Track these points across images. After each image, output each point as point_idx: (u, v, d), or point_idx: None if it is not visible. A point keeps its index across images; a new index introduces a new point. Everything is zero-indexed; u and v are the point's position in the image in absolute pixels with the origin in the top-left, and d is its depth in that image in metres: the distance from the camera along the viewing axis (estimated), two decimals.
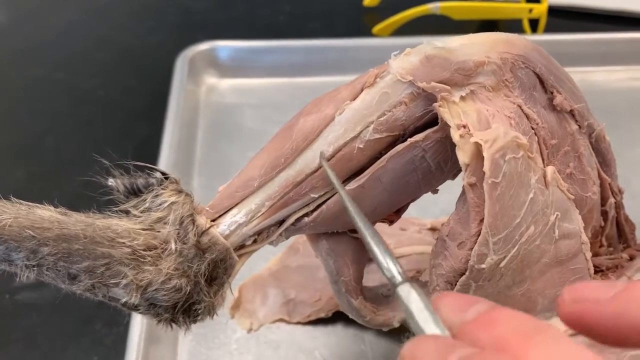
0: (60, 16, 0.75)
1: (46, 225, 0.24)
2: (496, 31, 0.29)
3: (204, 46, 0.62)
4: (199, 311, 0.26)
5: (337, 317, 0.41)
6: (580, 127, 0.32)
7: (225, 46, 0.63)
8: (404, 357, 0.17)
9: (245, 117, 0.59)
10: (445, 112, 0.26)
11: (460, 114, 0.26)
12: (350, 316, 0.32)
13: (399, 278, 0.20)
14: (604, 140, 0.33)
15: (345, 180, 0.28)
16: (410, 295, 0.18)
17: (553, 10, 0.70)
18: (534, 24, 0.69)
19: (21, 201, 0.24)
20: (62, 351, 0.41)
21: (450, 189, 0.30)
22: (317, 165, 0.28)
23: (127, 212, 0.26)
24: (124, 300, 0.25)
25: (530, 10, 0.67)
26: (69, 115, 0.61)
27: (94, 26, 0.74)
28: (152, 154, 0.50)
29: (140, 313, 0.26)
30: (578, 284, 0.19)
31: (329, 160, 0.27)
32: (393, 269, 0.20)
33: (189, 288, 0.25)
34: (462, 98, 0.27)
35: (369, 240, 0.22)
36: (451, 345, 0.17)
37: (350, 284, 0.29)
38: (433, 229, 0.44)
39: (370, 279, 0.36)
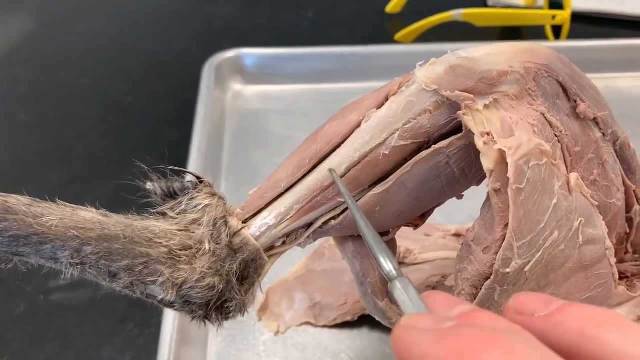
0: (86, 23, 0.77)
1: (89, 226, 0.25)
2: (519, 38, 0.30)
3: (230, 53, 0.64)
4: (231, 309, 0.27)
5: (362, 321, 0.41)
6: (604, 134, 0.32)
7: (250, 53, 0.64)
8: (401, 326, 0.18)
9: (270, 123, 0.60)
10: (469, 120, 0.27)
11: (484, 122, 0.27)
12: (377, 318, 0.33)
13: (394, 273, 0.21)
14: (628, 147, 0.33)
15: (371, 186, 0.29)
16: (404, 288, 0.20)
17: (576, 17, 0.69)
18: (557, 31, 0.69)
19: (65, 203, 0.26)
20: (95, 351, 0.42)
21: (476, 195, 0.31)
22: (342, 171, 0.28)
23: (163, 214, 0.27)
24: (160, 297, 0.26)
25: (554, 17, 0.67)
26: (98, 121, 0.63)
27: (119, 33, 0.75)
28: (180, 159, 0.51)
29: (176, 310, 0.27)
30: (525, 293, 0.20)
31: (355, 166, 0.28)
32: (390, 265, 0.22)
33: (221, 286, 0.26)
34: (486, 106, 0.28)
35: (369, 239, 0.24)
36: (445, 317, 0.18)
37: (376, 285, 0.30)
38: (457, 235, 0.44)
39: None
